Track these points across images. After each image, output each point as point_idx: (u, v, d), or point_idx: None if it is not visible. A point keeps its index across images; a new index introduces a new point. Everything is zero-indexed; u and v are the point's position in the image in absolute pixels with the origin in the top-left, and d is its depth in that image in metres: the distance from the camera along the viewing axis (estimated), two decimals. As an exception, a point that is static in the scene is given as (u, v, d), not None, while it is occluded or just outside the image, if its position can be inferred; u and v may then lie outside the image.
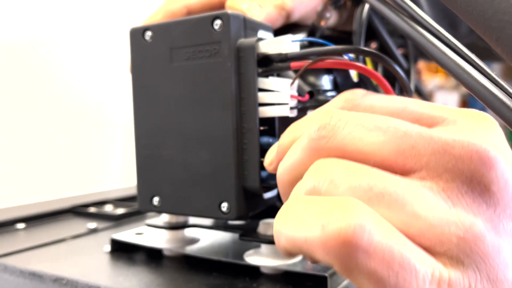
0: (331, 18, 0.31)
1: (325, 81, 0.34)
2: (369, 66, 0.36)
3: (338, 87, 0.34)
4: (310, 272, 0.26)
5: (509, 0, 0.18)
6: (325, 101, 0.33)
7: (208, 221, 0.35)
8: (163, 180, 0.30)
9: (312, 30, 0.33)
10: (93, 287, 0.28)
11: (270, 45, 0.26)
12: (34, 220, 0.44)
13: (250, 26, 0.27)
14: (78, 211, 0.47)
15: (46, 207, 0.46)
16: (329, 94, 0.33)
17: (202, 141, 0.28)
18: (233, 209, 0.27)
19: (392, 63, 0.23)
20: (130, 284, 0.28)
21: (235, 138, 0.27)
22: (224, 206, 0.27)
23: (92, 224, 0.42)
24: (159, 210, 0.30)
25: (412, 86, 0.36)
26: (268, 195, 0.29)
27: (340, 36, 0.39)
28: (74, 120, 0.61)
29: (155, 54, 0.29)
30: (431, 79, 1.72)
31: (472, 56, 0.22)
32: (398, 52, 0.37)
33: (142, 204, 0.31)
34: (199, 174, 0.28)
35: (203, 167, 0.28)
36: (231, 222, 0.34)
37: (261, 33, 0.29)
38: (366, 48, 0.24)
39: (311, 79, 0.33)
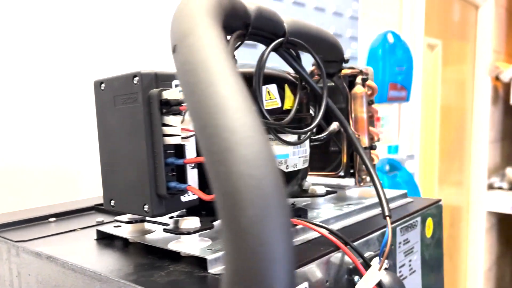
0: None
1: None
2: (287, 92, 0.45)
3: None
4: (200, 255, 0.37)
5: None
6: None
7: (161, 218, 0.47)
8: (115, 188, 0.42)
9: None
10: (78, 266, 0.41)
11: (169, 93, 0.37)
12: (62, 215, 0.59)
13: (162, 78, 0.38)
14: (98, 208, 0.62)
15: (71, 205, 0.61)
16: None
17: (132, 161, 0.39)
18: (150, 209, 0.38)
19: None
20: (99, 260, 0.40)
21: (150, 159, 0.38)
22: (146, 207, 0.38)
23: (100, 218, 0.55)
24: (115, 210, 0.42)
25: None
26: (186, 198, 0.40)
27: None
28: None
29: (107, 99, 0.41)
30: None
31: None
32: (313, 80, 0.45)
33: (106, 205, 0.43)
34: (132, 184, 0.39)
35: (133, 179, 0.39)
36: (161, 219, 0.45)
37: (175, 82, 0.39)
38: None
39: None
